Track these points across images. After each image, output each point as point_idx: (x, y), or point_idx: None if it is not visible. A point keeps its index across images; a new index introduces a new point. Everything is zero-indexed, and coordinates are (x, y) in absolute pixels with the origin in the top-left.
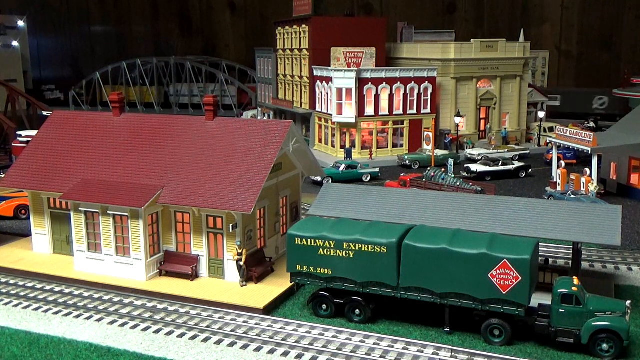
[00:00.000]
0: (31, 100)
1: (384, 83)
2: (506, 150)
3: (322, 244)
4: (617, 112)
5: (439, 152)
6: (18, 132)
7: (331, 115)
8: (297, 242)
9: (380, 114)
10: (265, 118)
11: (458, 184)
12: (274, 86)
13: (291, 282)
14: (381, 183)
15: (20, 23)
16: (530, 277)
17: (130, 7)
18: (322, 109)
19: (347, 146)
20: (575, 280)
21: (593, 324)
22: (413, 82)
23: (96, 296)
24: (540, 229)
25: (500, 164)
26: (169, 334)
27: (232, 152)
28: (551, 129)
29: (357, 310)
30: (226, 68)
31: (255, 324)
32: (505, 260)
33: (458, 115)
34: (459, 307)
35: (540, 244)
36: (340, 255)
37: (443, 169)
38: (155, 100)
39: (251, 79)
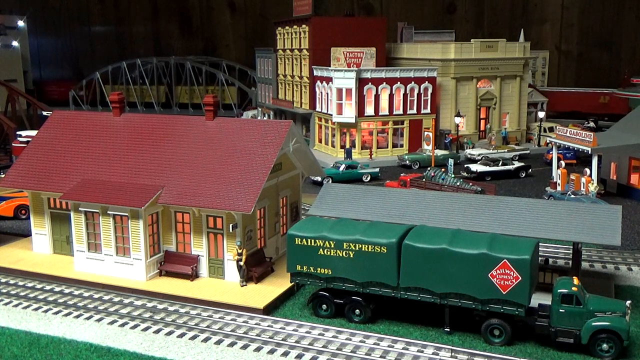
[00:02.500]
0: (31, 100)
1: (384, 83)
2: (506, 150)
3: (322, 244)
4: None
5: (439, 152)
6: (18, 132)
7: (331, 115)
8: (297, 242)
9: (380, 114)
10: (265, 118)
11: (458, 184)
12: (274, 86)
13: (291, 282)
14: (381, 183)
15: (20, 23)
16: (530, 277)
17: (130, 7)
18: (322, 109)
19: (347, 146)
20: (575, 280)
21: (593, 324)
22: (413, 82)
23: (96, 296)
24: (540, 229)
25: (500, 164)
26: (169, 334)
27: (232, 152)
28: (551, 129)
29: (357, 310)
30: (226, 68)
31: (255, 324)
32: (505, 260)
33: (458, 115)
34: (459, 307)
35: (540, 243)
36: (340, 255)
37: (443, 169)
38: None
39: (251, 79)
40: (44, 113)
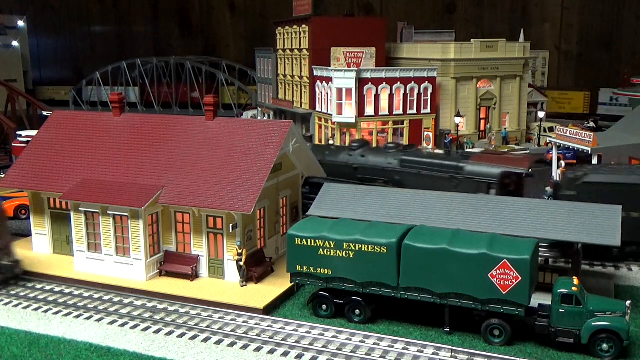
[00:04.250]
0: (31, 100)
1: (384, 83)
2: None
3: (322, 244)
4: None
5: None
6: (18, 132)
7: (331, 115)
8: (297, 242)
9: (380, 114)
10: (265, 118)
11: None
12: (274, 86)
13: (291, 282)
14: None
15: (20, 23)
16: (530, 277)
17: (130, 7)
18: (322, 109)
19: None
20: (575, 280)
21: (593, 324)
22: (413, 82)
23: (96, 296)
24: (540, 229)
25: None
26: (169, 334)
27: (232, 152)
28: (551, 129)
29: (357, 310)
30: (226, 68)
31: (255, 324)
32: (505, 260)
33: (458, 115)
34: (459, 307)
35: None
36: (340, 255)
37: None
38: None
39: (251, 79)
40: (44, 113)
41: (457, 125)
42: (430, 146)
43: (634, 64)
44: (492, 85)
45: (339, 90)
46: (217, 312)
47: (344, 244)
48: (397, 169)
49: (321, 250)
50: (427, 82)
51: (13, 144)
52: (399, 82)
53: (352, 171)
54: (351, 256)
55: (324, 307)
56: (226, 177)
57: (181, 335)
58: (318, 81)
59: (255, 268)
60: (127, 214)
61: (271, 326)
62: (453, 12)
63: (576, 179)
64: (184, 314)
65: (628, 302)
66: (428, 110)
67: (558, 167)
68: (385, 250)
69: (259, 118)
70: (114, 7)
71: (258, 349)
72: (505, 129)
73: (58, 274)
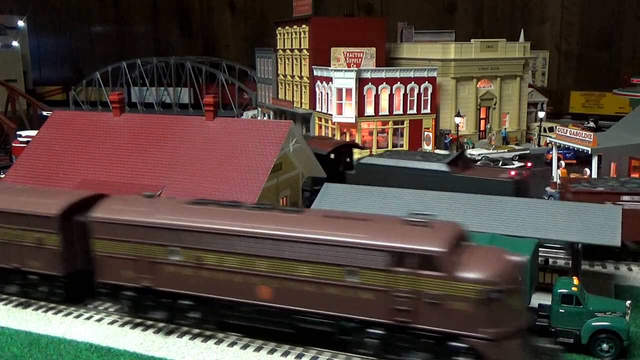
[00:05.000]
0: (31, 100)
1: (384, 83)
2: (506, 150)
3: None
4: None
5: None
6: (18, 132)
7: (331, 115)
8: None
9: (380, 114)
10: (265, 118)
11: None
12: (274, 86)
13: None
14: None
15: (20, 23)
16: (530, 277)
17: (130, 7)
18: (322, 109)
19: None
20: (575, 280)
21: (593, 324)
22: (413, 82)
23: None
24: (540, 229)
25: (500, 164)
26: (169, 334)
27: (232, 152)
28: (551, 129)
29: None
30: (226, 68)
31: None
32: None
33: (458, 115)
34: None
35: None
36: None
37: None
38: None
39: (251, 79)
40: (44, 113)
41: (457, 125)
42: (430, 147)
43: (634, 64)
44: (492, 85)
45: (339, 90)
46: None
47: None
48: None
49: None
50: (427, 82)
51: (13, 144)
52: (399, 82)
53: None
54: None
55: None
56: (226, 177)
57: (181, 335)
58: (318, 81)
59: None
60: None
61: None
62: (453, 12)
63: (358, 160)
64: None
65: (628, 302)
66: (428, 110)
67: (558, 167)
68: None
69: (259, 118)
70: (114, 7)
71: (258, 349)
72: (505, 129)
73: None
